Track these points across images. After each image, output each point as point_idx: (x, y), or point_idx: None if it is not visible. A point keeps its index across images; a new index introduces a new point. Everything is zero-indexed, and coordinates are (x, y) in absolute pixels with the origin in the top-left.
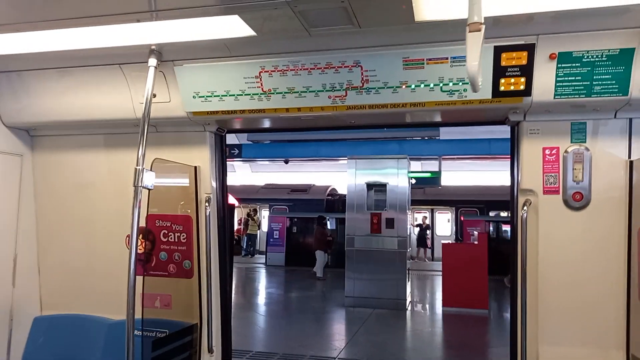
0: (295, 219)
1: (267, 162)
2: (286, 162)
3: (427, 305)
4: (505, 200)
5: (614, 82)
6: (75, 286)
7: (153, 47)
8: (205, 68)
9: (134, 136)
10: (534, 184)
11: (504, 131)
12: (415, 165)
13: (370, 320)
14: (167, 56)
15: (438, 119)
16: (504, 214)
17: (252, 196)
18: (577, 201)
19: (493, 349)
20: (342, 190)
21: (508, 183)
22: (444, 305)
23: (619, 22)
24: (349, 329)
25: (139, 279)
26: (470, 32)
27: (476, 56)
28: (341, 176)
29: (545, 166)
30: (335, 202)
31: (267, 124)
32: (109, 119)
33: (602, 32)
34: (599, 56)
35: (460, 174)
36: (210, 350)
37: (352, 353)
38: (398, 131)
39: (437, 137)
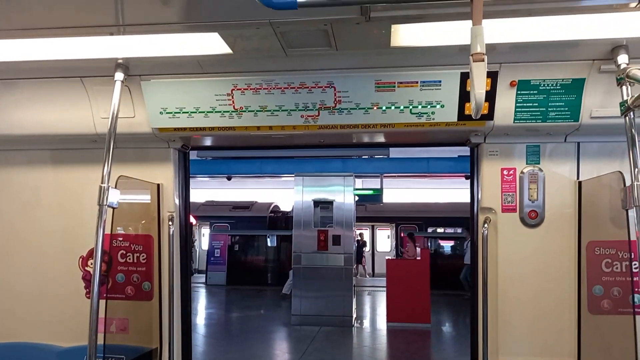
0: (237, 237)
1: (207, 179)
2: (229, 178)
3: (373, 321)
4: (442, 217)
5: (566, 109)
6: (20, 312)
7: (120, 60)
8: (175, 84)
9: (89, 152)
10: (493, 203)
11: (440, 151)
12: (357, 183)
13: (318, 338)
14: (134, 71)
15: (406, 139)
16: (440, 230)
17: (192, 213)
18: (533, 219)
19: None
20: (284, 207)
21: (445, 200)
22: (388, 320)
23: (571, 55)
24: (297, 348)
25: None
26: (474, 62)
27: (482, 84)
28: (283, 193)
29: (503, 186)
30: (278, 220)
31: (236, 141)
32: (65, 134)
33: (557, 63)
34: (554, 85)
35: (400, 192)
36: None
37: None
38: (343, 150)
39: (387, 156)
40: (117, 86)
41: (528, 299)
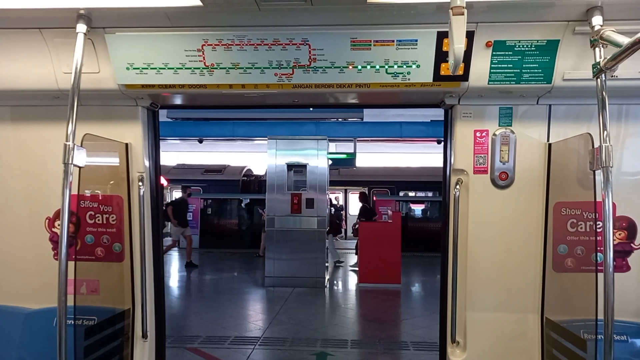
0: (210, 200)
1: (178, 141)
2: (200, 141)
3: (345, 283)
4: (413, 180)
5: (540, 70)
6: None
7: (82, 11)
8: (142, 38)
9: (52, 109)
10: (466, 164)
11: (413, 115)
12: (330, 147)
13: (291, 299)
14: (98, 23)
15: (381, 100)
16: (411, 194)
17: (163, 175)
18: (503, 180)
19: (408, 320)
20: (257, 171)
21: (417, 164)
22: (359, 281)
23: (546, 15)
24: (271, 309)
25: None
26: (454, 15)
27: (462, 39)
28: (256, 156)
29: (476, 147)
30: (251, 183)
31: (207, 99)
32: (24, 90)
33: (532, 23)
34: (529, 46)
35: (373, 156)
36: (144, 336)
37: (276, 332)
38: (316, 112)
39: (361, 120)
40: (80, 39)
41: (496, 257)
